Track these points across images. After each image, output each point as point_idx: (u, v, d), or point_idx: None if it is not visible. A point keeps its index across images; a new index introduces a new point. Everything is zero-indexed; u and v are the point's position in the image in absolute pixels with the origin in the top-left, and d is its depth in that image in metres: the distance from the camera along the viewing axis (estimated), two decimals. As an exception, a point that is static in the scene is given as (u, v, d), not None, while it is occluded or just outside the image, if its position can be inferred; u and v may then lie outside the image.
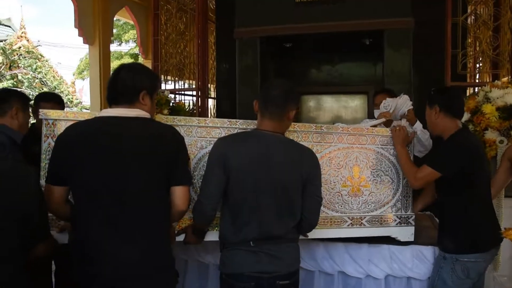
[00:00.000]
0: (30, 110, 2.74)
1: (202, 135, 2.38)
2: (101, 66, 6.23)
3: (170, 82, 5.73)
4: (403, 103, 3.10)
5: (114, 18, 6.92)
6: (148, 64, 6.39)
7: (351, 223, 2.63)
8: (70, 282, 1.85)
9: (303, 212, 2.10)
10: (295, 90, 2.13)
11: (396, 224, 2.67)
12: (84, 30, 6.05)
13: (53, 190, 1.88)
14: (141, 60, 10.58)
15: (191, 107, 5.40)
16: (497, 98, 3.28)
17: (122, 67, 1.96)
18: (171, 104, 4.50)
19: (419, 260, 2.63)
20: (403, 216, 2.69)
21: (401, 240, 2.66)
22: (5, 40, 14.94)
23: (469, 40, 4.43)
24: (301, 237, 2.34)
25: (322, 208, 2.41)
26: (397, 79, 4.36)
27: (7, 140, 2.29)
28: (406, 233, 2.67)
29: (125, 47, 19.00)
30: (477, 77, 4.88)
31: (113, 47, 20.33)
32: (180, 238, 2.34)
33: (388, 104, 3.11)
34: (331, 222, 2.61)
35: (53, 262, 2.94)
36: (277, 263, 2.02)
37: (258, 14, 4.78)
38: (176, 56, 5.25)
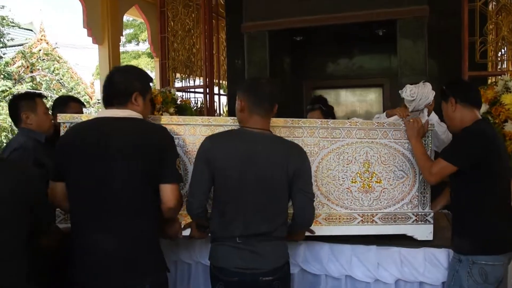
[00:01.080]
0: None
1: (206, 133, 2.37)
2: (111, 66, 6.14)
3: (178, 80, 5.65)
4: (429, 90, 2.84)
5: (129, 18, 6.86)
6: (157, 62, 6.34)
7: (362, 220, 2.54)
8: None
9: (294, 209, 2.12)
10: (278, 89, 2.18)
11: (413, 222, 2.54)
12: (93, 30, 5.96)
13: (55, 185, 2.05)
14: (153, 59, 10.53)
15: (199, 105, 5.30)
16: (517, 87, 3.08)
17: (116, 70, 2.12)
18: (177, 102, 4.41)
19: (431, 264, 2.45)
20: (420, 213, 2.54)
21: (419, 239, 2.52)
22: (24, 44, 15.17)
23: (490, 27, 4.17)
24: (307, 233, 2.41)
25: (330, 204, 2.52)
26: (412, 70, 4.15)
27: (28, 142, 2.58)
28: (424, 231, 2.52)
29: (143, 47, 19.08)
30: (499, 66, 4.61)
31: (131, 47, 20.39)
32: (187, 232, 2.42)
33: (414, 91, 2.83)
34: (339, 219, 2.54)
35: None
36: (260, 260, 2.03)
37: (266, 8, 4.63)
38: (184, 53, 5.14)
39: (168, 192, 1.97)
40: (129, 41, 20.21)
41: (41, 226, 1.96)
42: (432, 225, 2.53)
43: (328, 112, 3.61)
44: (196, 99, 5.52)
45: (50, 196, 2.05)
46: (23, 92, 3.05)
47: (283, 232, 2.12)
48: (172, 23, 5.23)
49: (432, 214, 2.55)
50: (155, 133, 2.01)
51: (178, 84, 5.75)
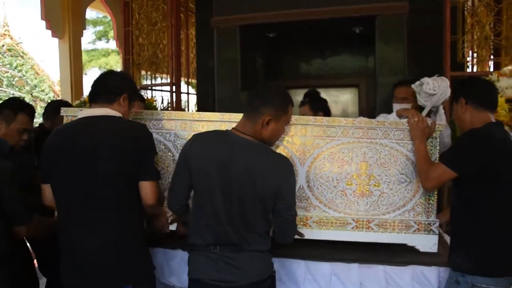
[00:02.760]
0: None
1: (198, 129, 2.37)
2: (72, 61, 5.72)
3: (145, 77, 5.28)
4: (447, 85, 2.51)
5: (99, 15, 6.49)
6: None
7: (356, 225, 2.33)
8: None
9: (274, 226, 1.99)
10: (277, 95, 1.97)
11: (414, 231, 2.29)
12: (52, 23, 5.54)
13: (44, 188, 2.09)
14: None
15: (165, 104, 4.94)
16: (506, 88, 2.89)
17: (110, 71, 2.26)
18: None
19: (420, 284, 2.19)
20: (423, 222, 2.28)
21: (421, 251, 2.27)
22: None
23: (475, 25, 3.96)
24: (296, 236, 2.20)
25: (322, 206, 2.36)
26: (390, 70, 3.90)
27: None
28: (427, 242, 2.27)
29: (113, 45, 18.57)
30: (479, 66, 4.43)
31: (101, 44, 19.85)
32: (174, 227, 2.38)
33: (436, 85, 2.48)
34: (331, 223, 2.36)
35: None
36: (236, 272, 1.90)
37: (237, 2, 4.32)
38: (149, 49, 4.78)
39: (146, 189, 1.99)
40: (99, 38, 19.72)
41: (14, 218, 2.11)
42: (437, 236, 2.28)
43: (318, 106, 3.39)
44: (162, 97, 5.15)
45: (42, 198, 2.11)
46: (16, 99, 2.93)
47: (264, 245, 1.96)
48: (137, 16, 4.86)
49: (437, 223, 2.29)
50: (133, 132, 2.01)
51: (146, 82, 5.37)
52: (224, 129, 2.05)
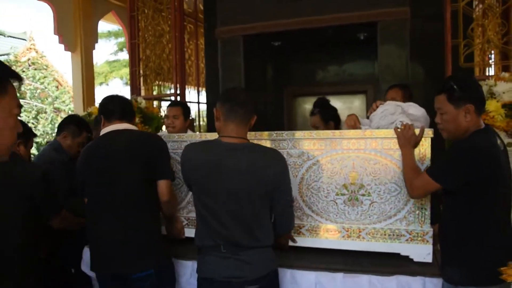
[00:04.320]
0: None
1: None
2: (83, 74, 5.85)
3: (155, 88, 5.35)
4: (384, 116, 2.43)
5: (120, 27, 6.54)
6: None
7: (347, 234, 2.34)
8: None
9: (274, 215, 2.08)
10: (250, 96, 2.13)
11: (407, 240, 2.24)
12: (64, 37, 5.69)
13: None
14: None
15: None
16: (503, 92, 2.81)
17: (118, 95, 2.54)
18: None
19: None
20: (416, 231, 2.23)
21: (415, 260, 2.22)
22: (9, 53, 14.88)
23: (477, 29, 3.88)
24: (290, 243, 2.41)
25: (314, 216, 2.39)
26: (393, 75, 3.85)
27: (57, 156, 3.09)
28: (421, 252, 2.22)
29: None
30: (486, 70, 4.33)
31: (123, 55, 20.22)
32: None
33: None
34: (324, 231, 2.39)
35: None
36: (245, 268, 1.97)
37: (240, 12, 4.32)
38: (155, 60, 4.85)
39: (162, 187, 2.31)
40: (121, 50, 20.04)
41: (47, 211, 2.30)
42: (431, 246, 2.21)
43: (329, 115, 3.38)
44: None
45: None
46: (80, 119, 3.39)
47: (268, 240, 2.03)
48: (143, 27, 4.93)
49: (431, 233, 2.22)
50: (150, 141, 2.38)
51: (155, 93, 5.44)
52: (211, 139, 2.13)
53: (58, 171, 2.88)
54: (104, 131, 2.41)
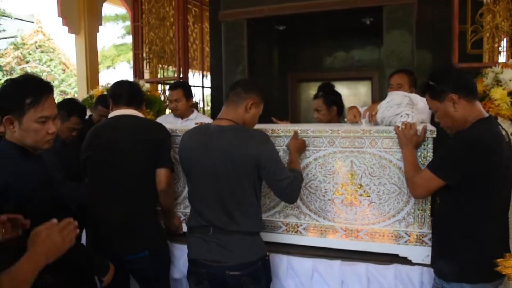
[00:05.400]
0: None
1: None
2: (87, 57, 5.79)
3: (159, 71, 5.31)
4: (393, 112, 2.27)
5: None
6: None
7: (345, 234, 2.26)
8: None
9: (274, 194, 2.10)
10: (258, 86, 2.18)
11: (405, 242, 2.15)
12: (68, 19, 5.62)
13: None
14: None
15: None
16: (510, 80, 2.74)
17: (127, 80, 2.58)
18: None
19: (403, 285, 2.07)
20: (415, 233, 2.14)
21: (413, 262, 2.13)
22: (16, 36, 14.86)
23: (486, 16, 3.77)
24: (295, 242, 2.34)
25: (312, 214, 2.32)
26: (399, 61, 3.72)
27: None
28: (420, 254, 2.12)
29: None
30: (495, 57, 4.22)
31: (130, 39, 20.21)
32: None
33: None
34: (321, 230, 2.30)
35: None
36: (226, 254, 1.97)
37: (244, -5, 4.29)
38: (158, 43, 4.79)
39: (160, 174, 2.32)
40: (128, 33, 19.98)
41: None
42: (430, 248, 2.10)
43: (332, 100, 3.28)
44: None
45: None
46: (71, 101, 3.21)
47: (254, 227, 2.02)
48: (147, 9, 4.88)
49: (430, 235, 2.12)
50: (153, 128, 2.39)
51: (159, 76, 5.40)
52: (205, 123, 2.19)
53: (50, 160, 2.79)
54: (110, 114, 2.44)
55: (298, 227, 2.35)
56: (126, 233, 2.25)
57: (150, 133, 2.34)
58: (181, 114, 3.65)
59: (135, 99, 2.46)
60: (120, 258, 2.25)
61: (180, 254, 2.46)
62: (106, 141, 2.33)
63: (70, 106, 3.09)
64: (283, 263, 2.25)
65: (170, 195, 2.43)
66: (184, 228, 2.50)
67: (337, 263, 2.16)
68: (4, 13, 13.98)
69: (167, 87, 5.15)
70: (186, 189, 2.46)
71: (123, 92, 2.43)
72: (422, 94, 1.98)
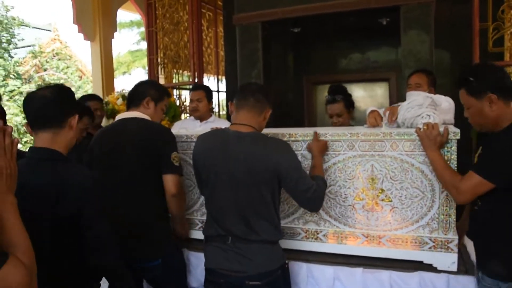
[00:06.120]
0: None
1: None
2: (103, 63, 5.83)
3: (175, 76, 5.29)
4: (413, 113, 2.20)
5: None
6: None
7: (367, 240, 2.18)
8: None
9: (298, 203, 2.05)
10: (268, 92, 2.10)
11: (430, 248, 2.06)
12: (83, 26, 5.67)
13: None
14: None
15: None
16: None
17: (140, 81, 2.53)
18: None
19: None
20: (439, 239, 2.05)
21: (439, 269, 2.04)
22: (34, 45, 15.11)
23: (504, 11, 3.65)
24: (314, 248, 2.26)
25: (332, 221, 2.25)
26: (417, 62, 3.63)
27: None
28: (445, 261, 2.03)
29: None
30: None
31: (145, 45, 20.45)
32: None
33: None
34: (342, 237, 2.23)
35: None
36: (245, 263, 1.91)
37: (258, -1, 4.24)
38: (172, 48, 4.78)
39: (167, 181, 2.20)
40: (143, 39, 20.19)
41: None
42: (456, 254, 2.02)
43: (350, 102, 3.21)
44: (185, 97, 5.14)
45: None
46: (82, 104, 3.24)
47: (273, 236, 1.96)
48: (161, 14, 4.86)
49: (456, 241, 2.03)
50: (154, 132, 2.26)
51: (174, 81, 5.39)
52: (221, 128, 2.11)
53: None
54: (117, 117, 2.42)
55: (318, 233, 2.28)
56: (135, 241, 2.17)
57: (153, 137, 2.23)
58: (201, 116, 3.61)
59: (135, 99, 2.38)
60: (133, 266, 2.16)
61: (198, 263, 2.39)
62: (109, 146, 2.28)
63: (81, 108, 3.10)
64: (302, 271, 2.18)
65: (180, 202, 2.31)
66: (197, 235, 2.46)
67: (359, 270, 2.08)
68: (23, 22, 14.21)
69: (182, 92, 5.15)
70: (202, 196, 2.39)
71: (131, 92, 2.42)
72: (458, 88, 1.87)
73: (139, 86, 2.43)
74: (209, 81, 6.21)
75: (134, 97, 2.38)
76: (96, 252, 1.64)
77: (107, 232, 1.67)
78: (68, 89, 1.80)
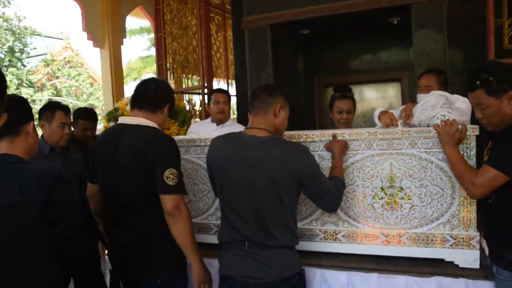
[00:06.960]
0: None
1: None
2: (112, 69, 5.85)
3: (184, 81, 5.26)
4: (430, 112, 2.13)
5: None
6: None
7: (387, 239, 2.16)
8: None
9: (317, 206, 2.06)
10: (279, 87, 2.09)
11: (451, 245, 2.02)
12: (93, 34, 5.69)
13: (89, 186, 2.32)
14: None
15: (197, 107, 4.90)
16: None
17: (153, 79, 2.26)
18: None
19: None
20: (461, 236, 2.01)
21: (461, 266, 2.01)
22: (46, 54, 15.29)
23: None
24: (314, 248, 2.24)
25: (351, 221, 2.23)
26: (429, 61, 3.55)
27: None
28: (467, 258, 2.00)
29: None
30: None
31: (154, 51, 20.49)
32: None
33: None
34: (361, 237, 2.21)
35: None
36: (263, 269, 1.86)
37: (267, 1, 4.15)
38: (181, 53, 4.75)
39: (163, 200, 1.97)
40: (153, 45, 20.30)
41: None
42: (478, 251, 1.99)
43: (355, 100, 3.23)
44: (194, 101, 5.11)
45: (87, 194, 2.34)
46: (52, 101, 3.25)
47: (291, 241, 1.92)
48: (169, 20, 4.84)
49: (477, 237, 1.99)
50: (150, 148, 1.98)
51: (184, 86, 5.36)
52: (236, 132, 2.05)
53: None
54: (119, 120, 2.20)
55: (336, 234, 2.26)
56: (134, 261, 2.04)
57: (148, 152, 1.97)
58: (223, 119, 3.68)
59: (155, 104, 2.11)
60: (132, 284, 2.13)
61: (210, 271, 2.33)
62: (106, 155, 2.07)
63: (52, 105, 3.12)
64: (316, 277, 2.15)
65: (179, 225, 1.99)
66: (212, 240, 2.38)
67: (373, 276, 2.03)
68: (35, 32, 14.38)
69: (192, 97, 5.11)
70: (217, 201, 2.34)
71: (134, 93, 2.16)
72: (471, 90, 1.83)
73: (159, 89, 2.14)
74: (219, 85, 6.16)
75: (151, 101, 2.10)
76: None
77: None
78: (21, 98, 1.88)
